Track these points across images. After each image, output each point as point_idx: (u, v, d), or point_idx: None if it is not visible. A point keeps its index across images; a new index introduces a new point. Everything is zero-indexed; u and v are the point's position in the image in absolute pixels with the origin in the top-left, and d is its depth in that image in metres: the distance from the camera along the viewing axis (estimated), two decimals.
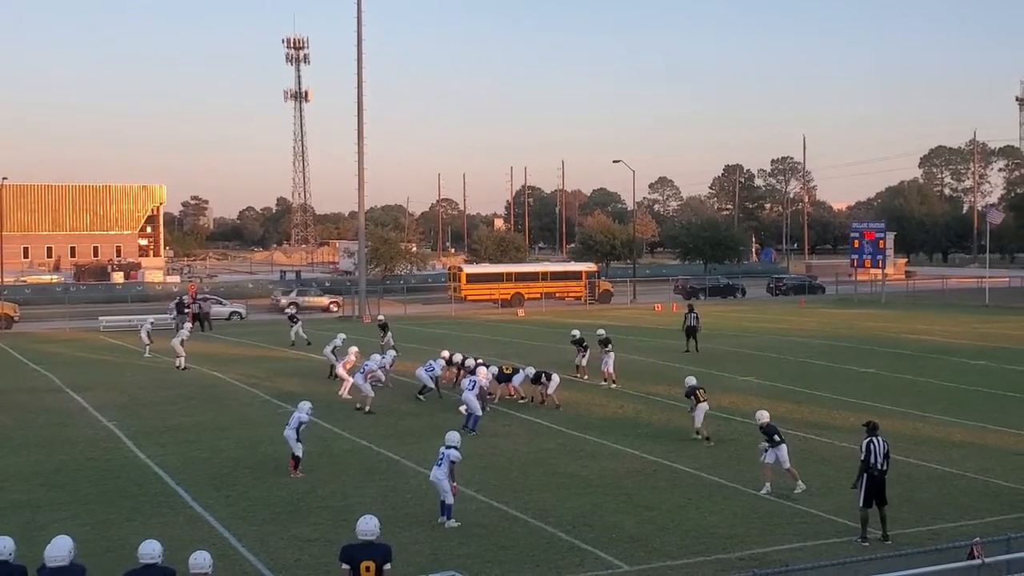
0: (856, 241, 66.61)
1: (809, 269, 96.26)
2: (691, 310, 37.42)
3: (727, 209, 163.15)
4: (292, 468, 18.34)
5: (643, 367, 32.74)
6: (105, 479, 18.32)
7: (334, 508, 16.18)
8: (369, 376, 25.76)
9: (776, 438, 17.11)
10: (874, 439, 14.63)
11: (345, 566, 9.87)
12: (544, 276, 64.80)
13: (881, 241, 64.89)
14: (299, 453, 18.51)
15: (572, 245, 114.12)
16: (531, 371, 25.92)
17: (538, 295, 61.91)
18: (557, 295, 63.15)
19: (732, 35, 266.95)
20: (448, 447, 15.49)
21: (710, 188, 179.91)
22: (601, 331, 30.25)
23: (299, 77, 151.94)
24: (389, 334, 35.16)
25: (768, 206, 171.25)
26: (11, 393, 28.61)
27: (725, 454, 20.02)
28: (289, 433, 18.57)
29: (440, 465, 15.42)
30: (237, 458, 19.97)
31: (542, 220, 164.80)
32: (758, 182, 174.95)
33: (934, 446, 20.51)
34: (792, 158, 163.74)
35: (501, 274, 64.80)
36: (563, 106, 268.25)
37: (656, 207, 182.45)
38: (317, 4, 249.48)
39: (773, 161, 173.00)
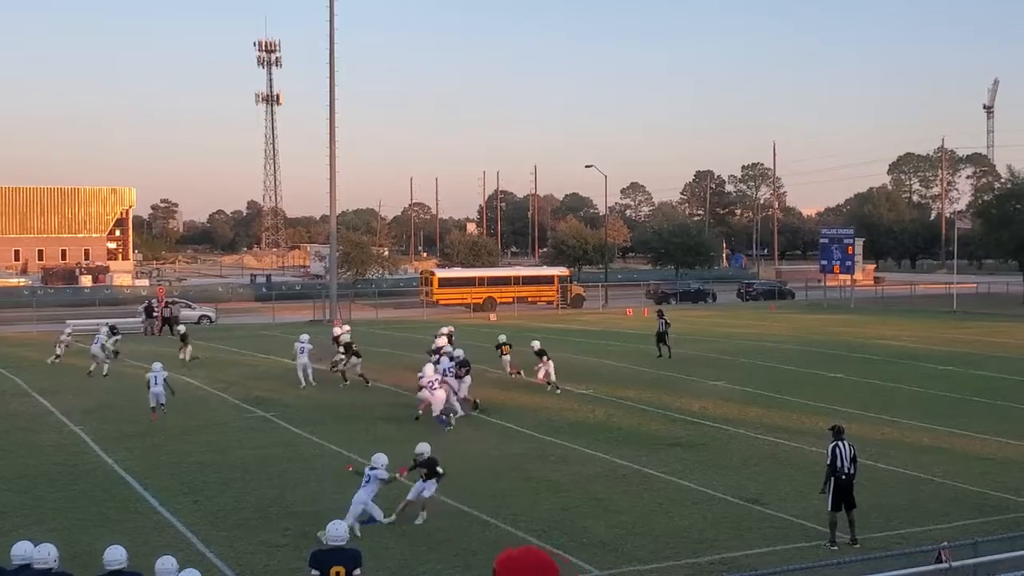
0: (825, 247, 67.12)
1: (779, 274, 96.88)
2: (660, 315, 37.52)
3: (698, 215, 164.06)
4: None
5: (613, 371, 32.80)
6: (72, 484, 18.12)
7: (303, 514, 16.07)
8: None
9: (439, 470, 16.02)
10: (840, 443, 14.70)
11: (315, 572, 9.81)
12: (516, 280, 64.78)
13: (850, 247, 65.43)
14: (379, 517, 15.44)
15: (544, 250, 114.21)
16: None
17: (511, 299, 61.90)
18: (529, 299, 63.17)
19: (705, 41, 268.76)
20: (373, 468, 15.16)
21: (681, 194, 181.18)
22: (535, 343, 29.81)
23: (270, 80, 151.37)
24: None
25: (739, 212, 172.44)
26: None
27: (696, 459, 20.07)
28: (362, 497, 15.32)
29: (366, 485, 15.05)
30: (205, 463, 19.81)
31: (514, 225, 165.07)
32: (729, 188, 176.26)
33: (902, 450, 20.67)
34: (762, 164, 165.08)
35: (473, 278, 64.72)
36: (536, 111, 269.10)
37: (628, 212, 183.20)
38: (288, 6, 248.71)
39: (744, 167, 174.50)
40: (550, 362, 28.67)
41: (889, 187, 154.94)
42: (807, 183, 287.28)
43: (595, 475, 18.70)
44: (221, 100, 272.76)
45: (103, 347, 32.72)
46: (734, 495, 17.16)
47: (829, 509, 14.55)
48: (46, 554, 9.28)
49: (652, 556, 14.00)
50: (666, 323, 36.80)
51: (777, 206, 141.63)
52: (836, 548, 14.15)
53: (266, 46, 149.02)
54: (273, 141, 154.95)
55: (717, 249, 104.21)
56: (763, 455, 20.39)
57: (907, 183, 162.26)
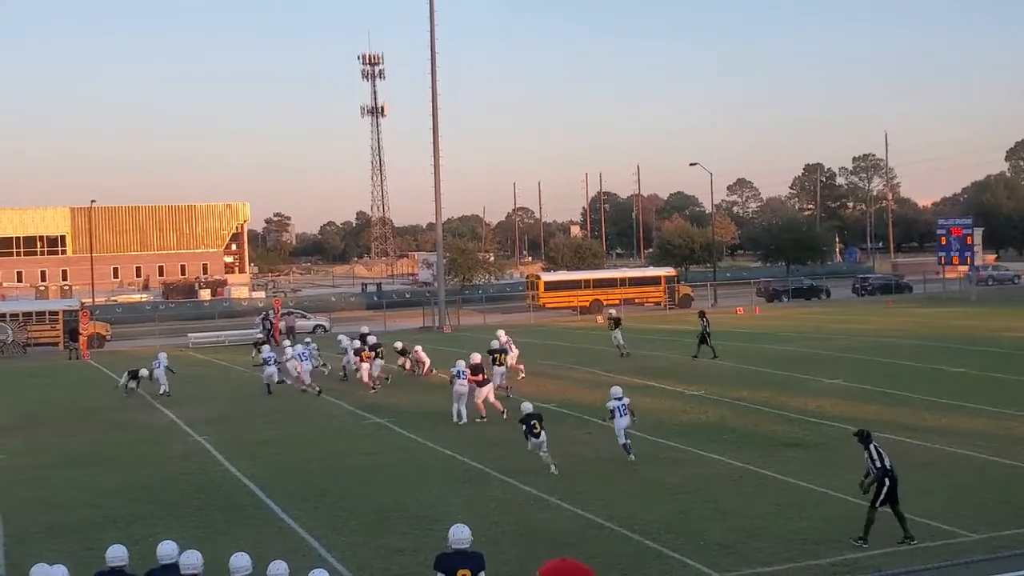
0: (943, 238, 65.03)
1: (895, 268, 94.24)
2: (702, 316, 36.92)
3: (808, 209, 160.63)
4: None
5: (725, 371, 32.36)
6: (198, 493, 18.74)
7: (420, 518, 16.30)
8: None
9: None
10: (876, 445, 14.57)
11: (440, 575, 9.90)
12: (623, 282, 64.51)
13: (969, 237, 63.25)
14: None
15: (650, 250, 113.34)
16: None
17: (617, 301, 61.61)
18: (636, 301, 62.81)
19: (809, 32, 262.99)
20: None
21: (790, 188, 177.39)
22: (495, 342, 29.28)
23: (375, 93, 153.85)
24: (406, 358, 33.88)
25: (851, 205, 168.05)
26: (104, 410, 29.44)
27: (814, 459, 19.67)
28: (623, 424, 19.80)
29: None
30: (324, 469, 20.26)
31: (619, 226, 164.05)
32: (840, 180, 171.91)
33: None
34: (874, 155, 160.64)
35: (579, 281, 64.70)
36: (638, 110, 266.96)
37: (735, 209, 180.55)
38: (390, 20, 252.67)
39: (855, 159, 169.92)
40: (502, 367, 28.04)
41: (1008, 174, 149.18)
42: (921, 173, 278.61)
43: (710, 477, 18.49)
44: (328, 114, 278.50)
45: (168, 370, 32.49)
46: (855, 495, 16.73)
47: (878, 506, 14.21)
48: (195, 560, 9.70)
49: (772, 558, 13.78)
50: (707, 323, 36.21)
51: (891, 197, 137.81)
52: (867, 546, 13.92)
53: (370, 59, 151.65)
54: (379, 152, 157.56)
55: (830, 244, 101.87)
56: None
57: None
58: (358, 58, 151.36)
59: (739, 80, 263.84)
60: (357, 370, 31.81)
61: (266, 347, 33.69)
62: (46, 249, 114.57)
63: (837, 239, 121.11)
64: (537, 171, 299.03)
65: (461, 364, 25.51)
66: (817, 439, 21.47)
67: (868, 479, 14.51)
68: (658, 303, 63.28)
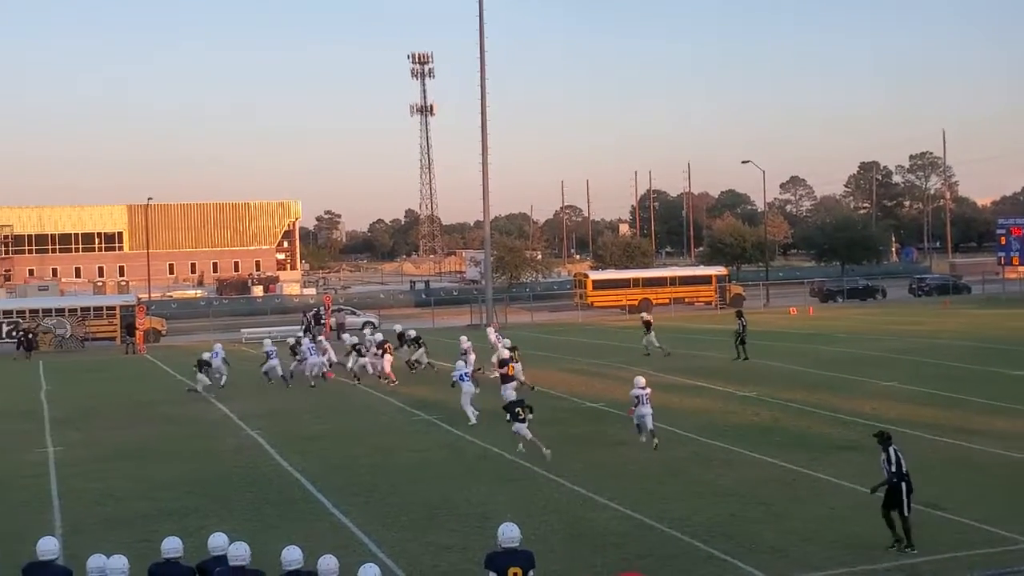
0: (1003, 238, 63.79)
1: (953, 268, 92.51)
2: (739, 316, 36.40)
3: (864, 208, 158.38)
4: None
5: (778, 372, 32.03)
6: (250, 487, 18.93)
7: (469, 515, 16.31)
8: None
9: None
10: (896, 448, 14.32)
11: (492, 574, 9.90)
12: (672, 281, 64.08)
13: None
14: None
15: (700, 249, 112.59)
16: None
17: (667, 300, 61.30)
18: (686, 300, 62.38)
19: (866, 29, 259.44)
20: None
21: (845, 186, 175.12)
22: (412, 331, 29.96)
23: (424, 91, 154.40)
24: (422, 350, 34.40)
25: (907, 203, 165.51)
26: (159, 404, 29.87)
27: (869, 462, 19.30)
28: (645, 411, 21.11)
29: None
30: (374, 465, 20.37)
31: (668, 224, 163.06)
32: (896, 179, 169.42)
33: None
34: (931, 153, 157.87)
35: (628, 280, 64.38)
36: (688, 107, 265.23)
37: (788, 207, 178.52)
38: (440, 19, 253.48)
39: (911, 157, 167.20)
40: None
41: None
42: (980, 171, 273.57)
43: (762, 479, 18.28)
44: (378, 112, 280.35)
45: (224, 360, 33.05)
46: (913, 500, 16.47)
47: (906, 513, 13.96)
48: (242, 551, 9.85)
49: (825, 563, 13.59)
50: (744, 324, 35.75)
51: (948, 196, 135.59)
52: (916, 551, 13.72)
53: (419, 58, 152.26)
54: (428, 151, 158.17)
55: (885, 243, 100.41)
56: (941, 457, 19.52)
57: None
58: (408, 57, 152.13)
59: (793, 77, 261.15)
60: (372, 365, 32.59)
61: (305, 340, 34.60)
62: (103, 245, 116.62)
63: (893, 238, 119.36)
64: (585, 169, 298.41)
65: (461, 366, 26.22)
66: (873, 442, 21.03)
67: (881, 482, 14.33)
68: (709, 303, 62.78)
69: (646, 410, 21.04)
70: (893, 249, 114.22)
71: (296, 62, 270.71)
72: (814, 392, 27.55)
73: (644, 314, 41.62)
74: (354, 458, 21.14)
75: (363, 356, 32.91)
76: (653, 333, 37.97)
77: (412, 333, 34.88)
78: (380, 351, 32.62)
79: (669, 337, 41.12)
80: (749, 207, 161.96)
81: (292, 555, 9.72)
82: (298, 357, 33.28)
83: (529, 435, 20.51)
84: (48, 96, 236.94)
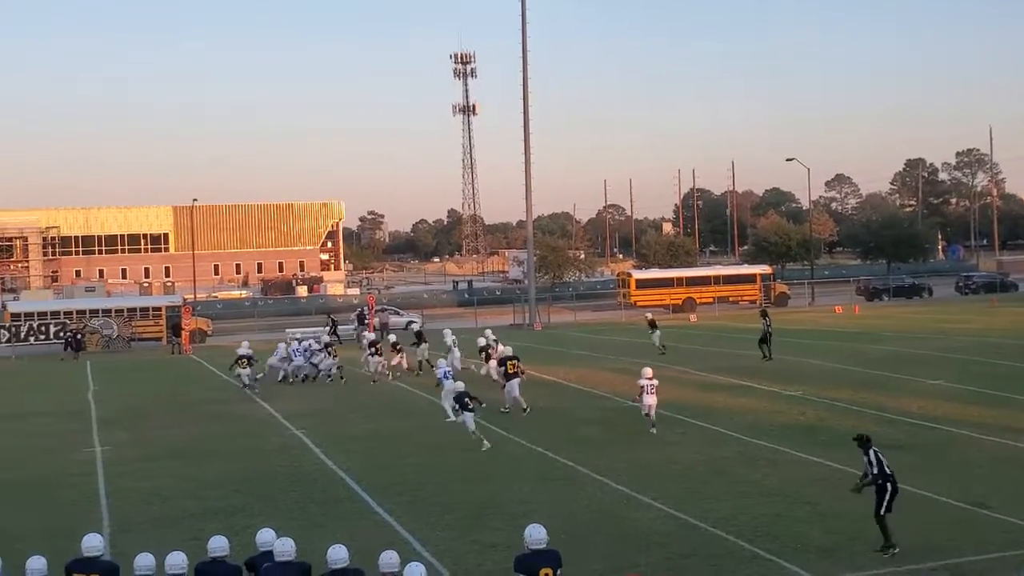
0: None
1: (1000, 266, 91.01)
2: (764, 316, 36.02)
3: (910, 205, 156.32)
4: None
5: (823, 371, 31.73)
6: (295, 485, 19.08)
7: (514, 514, 16.31)
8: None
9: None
10: (876, 450, 14.12)
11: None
12: (716, 280, 63.72)
13: None
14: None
15: (745, 247, 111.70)
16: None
17: (711, 299, 60.93)
18: (731, 299, 61.97)
19: (909, 25, 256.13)
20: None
21: (891, 184, 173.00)
22: (508, 348, 28.91)
23: (466, 91, 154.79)
24: (424, 344, 35.07)
25: (954, 201, 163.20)
26: (205, 403, 30.22)
27: (916, 461, 19.11)
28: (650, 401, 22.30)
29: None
30: (418, 464, 20.45)
31: (712, 223, 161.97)
32: (942, 176, 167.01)
33: None
34: (978, 150, 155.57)
35: (672, 279, 64.11)
36: (731, 105, 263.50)
37: (833, 205, 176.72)
38: (482, 18, 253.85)
39: (958, 154, 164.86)
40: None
41: None
42: None
43: (807, 479, 18.10)
44: (420, 113, 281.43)
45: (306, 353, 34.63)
46: (958, 498, 16.28)
47: (883, 513, 13.80)
48: (288, 547, 9.99)
49: (872, 562, 13.44)
50: (769, 323, 35.38)
51: (995, 193, 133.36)
52: (899, 551, 13.58)
53: (461, 58, 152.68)
54: (471, 151, 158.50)
55: (932, 241, 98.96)
56: (988, 456, 19.25)
57: None
58: (450, 57, 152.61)
59: (838, 74, 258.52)
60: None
61: (294, 344, 35.60)
62: (149, 247, 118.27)
63: (940, 236, 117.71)
64: (628, 168, 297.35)
65: (443, 364, 27.23)
66: (919, 441, 20.89)
67: (864, 482, 14.18)
68: (753, 301, 62.30)
69: (650, 400, 22.43)
70: (939, 247, 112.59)
71: (340, 63, 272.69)
72: (860, 391, 27.26)
73: (648, 314, 41.93)
74: (398, 457, 21.24)
75: (379, 355, 33.50)
76: (658, 332, 38.12)
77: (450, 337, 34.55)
78: (394, 351, 34.01)
79: (713, 336, 40.94)
80: (794, 205, 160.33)
81: (338, 554, 9.78)
82: (281, 357, 34.30)
83: (473, 426, 21.59)
84: (96, 100, 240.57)
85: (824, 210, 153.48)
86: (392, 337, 35.44)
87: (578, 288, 71.72)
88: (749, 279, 64.18)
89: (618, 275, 71.96)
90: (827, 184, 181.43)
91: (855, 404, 25.29)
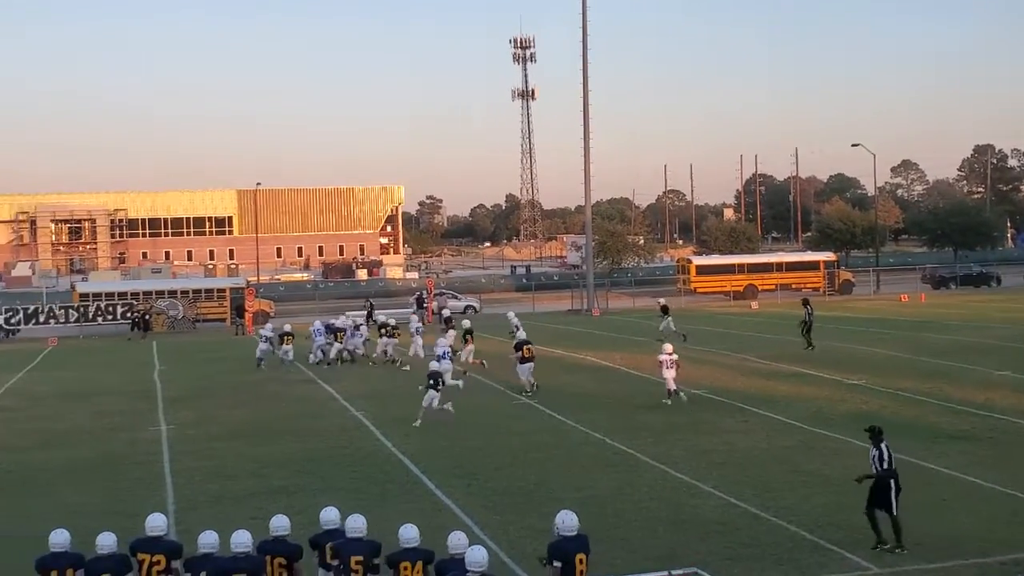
0: None
1: None
2: (806, 304, 35.30)
3: (978, 192, 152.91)
4: None
5: (887, 361, 31.20)
6: (355, 466, 19.26)
7: (571, 500, 16.20)
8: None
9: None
10: (887, 444, 13.85)
11: (557, 563, 9.80)
12: (779, 267, 62.93)
13: None
14: None
15: (808, 234, 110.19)
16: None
17: (773, 287, 60.22)
18: (793, 286, 61.15)
19: (974, 9, 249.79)
20: None
21: (959, 170, 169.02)
22: (521, 332, 29.45)
23: (526, 76, 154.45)
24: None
25: None
26: (266, 384, 30.62)
27: (982, 453, 18.75)
28: None
29: None
30: (476, 447, 20.51)
31: (775, 209, 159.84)
32: (1012, 162, 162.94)
33: None
34: None
35: (733, 265, 63.47)
36: (796, 89, 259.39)
37: (899, 192, 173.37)
38: (542, 2, 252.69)
39: None
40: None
41: None
42: None
43: (867, 468, 17.77)
44: (479, 97, 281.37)
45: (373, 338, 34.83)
46: None
47: (881, 510, 13.51)
48: (360, 523, 10.18)
49: (936, 555, 13.19)
50: (811, 312, 34.75)
51: None
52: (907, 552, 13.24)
53: (521, 43, 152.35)
54: (529, 136, 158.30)
55: (1000, 229, 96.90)
56: None
57: None
58: (510, 42, 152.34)
59: (904, 60, 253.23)
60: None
61: (316, 323, 36.36)
62: (214, 229, 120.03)
63: (1009, 224, 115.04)
64: (688, 153, 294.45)
65: (443, 343, 27.60)
66: (985, 432, 20.45)
67: (867, 474, 13.91)
68: (817, 289, 61.48)
69: (668, 373, 24.04)
70: (1008, 235, 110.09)
71: (398, 47, 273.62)
72: (924, 381, 26.76)
73: (661, 299, 42.69)
74: (457, 440, 21.31)
75: (394, 338, 34.02)
76: (671, 318, 38.40)
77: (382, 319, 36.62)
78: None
79: (775, 323, 40.50)
80: (859, 191, 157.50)
81: (409, 533, 9.93)
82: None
83: (436, 406, 22.69)
84: (166, 87, 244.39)
85: (890, 196, 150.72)
86: (466, 323, 34.45)
87: (637, 274, 71.34)
88: (813, 266, 63.32)
89: (678, 261, 71.44)
90: (893, 170, 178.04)
91: (919, 394, 24.83)
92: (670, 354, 24.23)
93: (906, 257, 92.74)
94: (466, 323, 33.69)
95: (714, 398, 25.13)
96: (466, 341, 31.83)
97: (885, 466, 13.70)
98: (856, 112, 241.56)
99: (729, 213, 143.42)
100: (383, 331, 34.10)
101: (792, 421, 22.14)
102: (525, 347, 27.04)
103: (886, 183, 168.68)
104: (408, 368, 31.65)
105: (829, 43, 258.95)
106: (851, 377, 27.70)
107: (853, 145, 69.87)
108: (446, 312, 38.10)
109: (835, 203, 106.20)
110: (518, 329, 30.66)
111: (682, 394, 24.16)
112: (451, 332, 32.86)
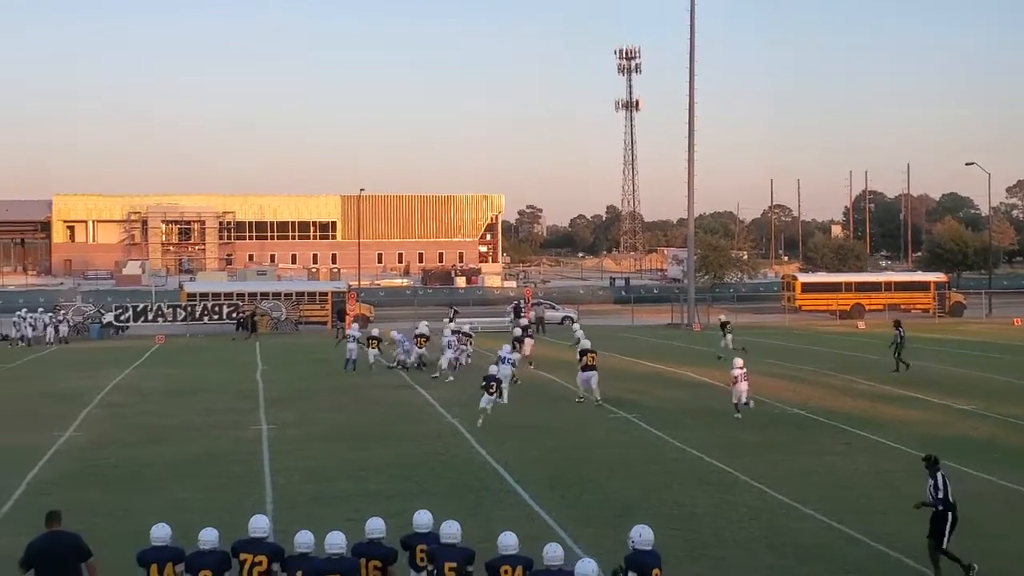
0: None
1: None
2: (897, 326, 34.17)
3: None
4: None
5: (999, 386, 30.04)
6: (449, 473, 19.32)
7: (667, 516, 16.04)
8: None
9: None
10: (944, 473, 13.42)
11: (633, 574, 9.83)
12: (888, 286, 61.32)
13: None
14: None
15: (918, 254, 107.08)
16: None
17: (881, 307, 58.65)
18: (902, 307, 59.45)
19: None
20: None
21: None
22: (586, 341, 28.93)
23: (630, 87, 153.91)
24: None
25: None
26: (365, 388, 30.98)
27: None
28: None
29: None
30: (571, 460, 20.37)
31: (884, 227, 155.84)
32: None
33: None
34: None
35: (840, 283, 62.06)
36: (908, 106, 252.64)
37: (1015, 213, 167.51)
38: (648, 13, 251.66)
39: None
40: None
41: None
42: None
43: (978, 497, 17.07)
44: (582, 108, 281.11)
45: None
46: None
47: (942, 544, 13.03)
48: (455, 530, 10.26)
49: None
50: (902, 334, 33.59)
51: None
52: None
53: (626, 54, 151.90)
54: (632, 147, 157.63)
55: None
56: None
57: None
58: (615, 52, 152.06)
59: (1020, 73, 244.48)
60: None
61: (395, 333, 37.53)
62: (318, 234, 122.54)
63: None
64: (796, 168, 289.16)
65: (507, 348, 28.68)
66: None
67: (926, 504, 13.49)
68: (926, 310, 59.68)
69: (741, 387, 24.55)
70: None
71: (504, 57, 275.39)
72: None
73: (722, 316, 42.58)
74: (552, 451, 21.22)
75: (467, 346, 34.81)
76: (731, 335, 38.09)
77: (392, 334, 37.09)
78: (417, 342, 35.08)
79: (882, 344, 39.33)
80: (972, 211, 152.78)
81: (508, 540, 9.97)
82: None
83: (491, 408, 24.00)
84: (274, 92, 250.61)
85: (1005, 217, 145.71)
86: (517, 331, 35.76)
87: (739, 289, 70.25)
88: (923, 286, 61.50)
89: (783, 278, 70.19)
90: (1008, 190, 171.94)
91: None
92: (741, 368, 24.81)
93: (1020, 280, 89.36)
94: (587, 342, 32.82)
95: (817, 419, 24.53)
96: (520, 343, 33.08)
97: (940, 495, 13.28)
98: (970, 129, 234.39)
99: (837, 230, 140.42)
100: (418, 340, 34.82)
101: (896, 444, 21.45)
102: (588, 355, 27.26)
103: (1001, 203, 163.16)
104: (452, 379, 31.63)
105: (940, 58, 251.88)
106: (960, 402, 26.76)
107: (967, 164, 67.88)
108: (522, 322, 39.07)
109: (947, 223, 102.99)
110: (582, 339, 30.56)
111: (751, 403, 24.99)
112: (529, 341, 33.89)
